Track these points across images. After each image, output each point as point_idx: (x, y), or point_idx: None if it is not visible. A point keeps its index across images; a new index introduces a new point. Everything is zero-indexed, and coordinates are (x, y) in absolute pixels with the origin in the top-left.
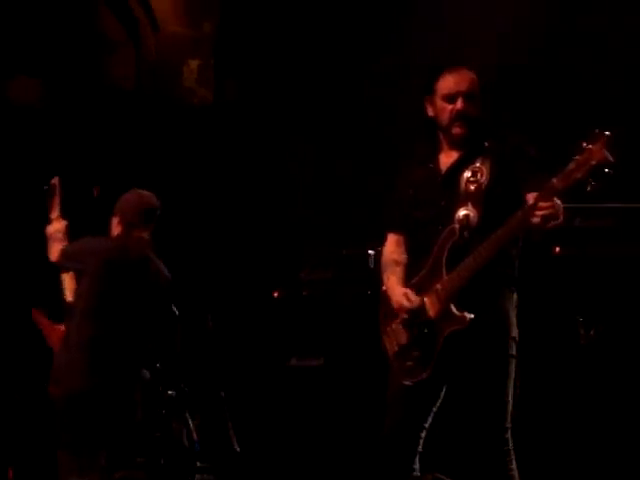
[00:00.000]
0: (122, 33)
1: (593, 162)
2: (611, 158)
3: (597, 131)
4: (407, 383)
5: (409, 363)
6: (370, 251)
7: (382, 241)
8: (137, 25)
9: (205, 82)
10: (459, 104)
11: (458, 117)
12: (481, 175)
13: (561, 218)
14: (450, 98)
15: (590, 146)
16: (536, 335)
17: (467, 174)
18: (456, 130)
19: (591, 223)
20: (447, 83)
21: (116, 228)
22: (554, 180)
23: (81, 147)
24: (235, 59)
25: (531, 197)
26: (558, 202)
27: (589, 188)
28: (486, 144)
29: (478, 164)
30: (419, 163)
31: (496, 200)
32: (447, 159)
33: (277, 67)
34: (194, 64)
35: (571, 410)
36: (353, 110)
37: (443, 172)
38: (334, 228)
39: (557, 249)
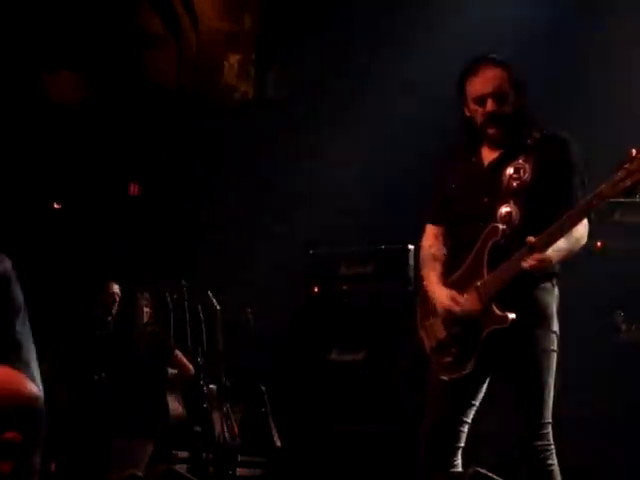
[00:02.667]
0: (163, 29)
1: None
2: None
3: None
4: (445, 378)
5: (448, 359)
6: (410, 246)
7: (420, 234)
8: (178, 20)
9: (246, 77)
10: (488, 106)
11: (490, 119)
12: (524, 172)
13: (547, 268)
14: (479, 101)
15: None
16: (577, 329)
17: (510, 170)
18: (490, 131)
19: (631, 217)
20: (474, 86)
21: None
22: (603, 187)
23: (121, 143)
24: (276, 53)
25: (531, 239)
26: (549, 255)
27: (638, 198)
28: (529, 141)
29: (521, 161)
30: (462, 157)
31: (538, 198)
32: (490, 154)
33: (318, 60)
34: (235, 59)
35: (611, 405)
36: (393, 103)
37: (485, 167)
38: (374, 223)
39: (598, 243)
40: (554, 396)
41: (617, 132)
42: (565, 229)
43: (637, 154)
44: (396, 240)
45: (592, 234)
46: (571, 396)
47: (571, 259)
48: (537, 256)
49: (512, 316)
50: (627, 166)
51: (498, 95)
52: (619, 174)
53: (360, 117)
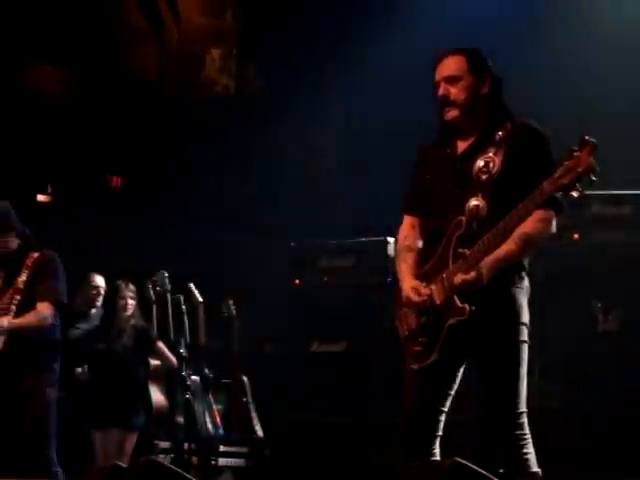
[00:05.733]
0: (145, 23)
1: (580, 169)
2: (595, 166)
3: (585, 138)
4: (414, 367)
5: (417, 348)
6: (390, 238)
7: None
8: (160, 15)
9: (227, 71)
10: (440, 90)
11: (441, 104)
12: (493, 165)
13: (482, 283)
14: (436, 89)
15: (578, 153)
16: (555, 321)
17: (480, 163)
18: (445, 117)
19: (609, 210)
20: (435, 75)
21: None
22: (544, 184)
23: (103, 136)
24: (257, 48)
25: (465, 251)
26: (479, 272)
27: (576, 194)
28: (500, 133)
29: (491, 154)
30: (438, 148)
31: (506, 192)
32: (463, 145)
33: (298, 56)
34: (216, 53)
35: (590, 394)
36: (372, 97)
37: (456, 159)
38: (355, 215)
39: (575, 235)
40: (532, 386)
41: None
42: (507, 232)
43: (575, 151)
44: (376, 232)
45: (569, 226)
46: (549, 386)
47: (540, 251)
48: (462, 277)
49: (470, 308)
50: (566, 163)
51: (449, 79)
52: (558, 171)
53: (340, 111)
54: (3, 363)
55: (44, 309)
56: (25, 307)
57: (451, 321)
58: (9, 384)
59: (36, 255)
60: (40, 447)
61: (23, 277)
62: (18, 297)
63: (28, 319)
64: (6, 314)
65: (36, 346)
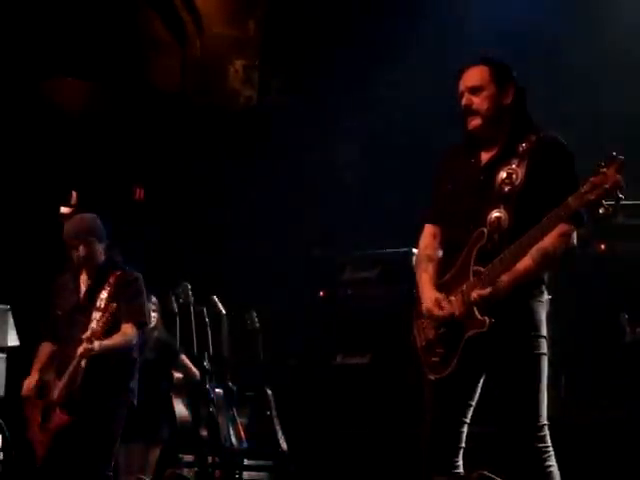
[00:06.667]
0: (168, 35)
1: (606, 186)
2: (623, 183)
3: (613, 154)
4: (431, 378)
5: (434, 359)
6: (414, 250)
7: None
8: (182, 27)
9: (250, 82)
10: (463, 100)
11: (465, 113)
12: (516, 177)
13: (498, 298)
14: (460, 99)
15: (605, 170)
16: (581, 332)
17: (502, 175)
18: (468, 126)
19: (634, 220)
20: (458, 86)
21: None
22: (570, 199)
23: (126, 148)
24: (280, 59)
25: (479, 269)
26: (497, 287)
27: (602, 210)
28: (523, 144)
29: (514, 165)
30: (462, 157)
31: (528, 205)
32: (486, 156)
33: (322, 66)
34: (239, 64)
35: (616, 406)
36: (395, 108)
37: (480, 170)
38: (380, 227)
39: (602, 246)
40: (557, 398)
41: None
42: (529, 246)
43: (602, 168)
44: (400, 243)
45: (595, 237)
46: (574, 398)
47: (566, 262)
48: (479, 292)
49: (490, 320)
50: (592, 179)
51: (472, 89)
52: (585, 187)
53: (362, 122)
54: (84, 381)
55: (129, 330)
56: (109, 327)
57: (470, 333)
58: (84, 401)
59: (119, 273)
60: (99, 465)
61: (104, 294)
62: (103, 316)
63: (116, 341)
64: (89, 330)
65: (115, 365)
